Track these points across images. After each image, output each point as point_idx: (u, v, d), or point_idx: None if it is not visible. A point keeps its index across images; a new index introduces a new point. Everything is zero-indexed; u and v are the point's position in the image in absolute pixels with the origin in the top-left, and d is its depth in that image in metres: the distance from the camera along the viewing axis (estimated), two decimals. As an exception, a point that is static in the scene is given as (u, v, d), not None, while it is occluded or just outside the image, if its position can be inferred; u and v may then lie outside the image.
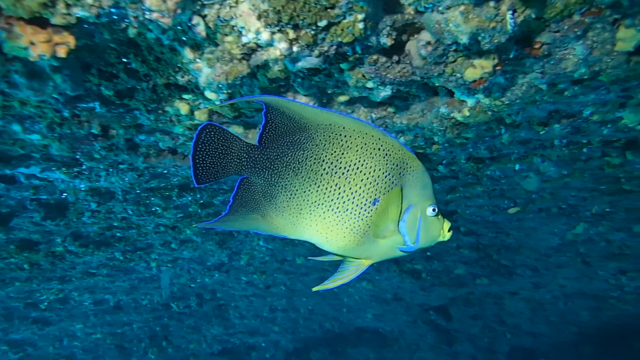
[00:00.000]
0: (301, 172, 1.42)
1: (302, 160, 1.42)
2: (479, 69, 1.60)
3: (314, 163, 1.42)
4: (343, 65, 1.66)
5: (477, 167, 3.21)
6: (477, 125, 2.32)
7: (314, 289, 1.47)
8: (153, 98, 1.92)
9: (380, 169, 1.41)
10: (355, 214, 1.43)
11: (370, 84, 1.75)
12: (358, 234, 1.44)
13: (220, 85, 1.58)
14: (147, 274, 5.65)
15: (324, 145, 1.41)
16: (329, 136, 1.41)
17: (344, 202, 1.42)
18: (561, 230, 5.61)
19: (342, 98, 1.94)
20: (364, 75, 1.70)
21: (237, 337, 8.29)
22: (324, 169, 1.42)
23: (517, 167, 3.28)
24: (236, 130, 2.21)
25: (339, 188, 1.42)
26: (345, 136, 1.41)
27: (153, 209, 3.51)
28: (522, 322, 8.38)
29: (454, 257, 6.95)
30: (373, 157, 1.41)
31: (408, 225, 1.44)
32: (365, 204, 1.42)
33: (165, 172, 2.89)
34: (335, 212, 1.43)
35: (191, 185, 3.26)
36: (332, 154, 1.41)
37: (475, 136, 2.49)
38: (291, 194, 1.44)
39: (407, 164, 1.43)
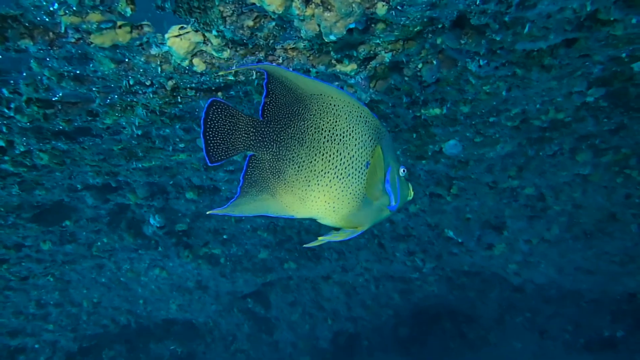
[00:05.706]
0: (305, 142, 1.45)
1: (305, 130, 1.44)
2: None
3: (315, 132, 1.45)
4: None
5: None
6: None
7: (320, 239, 1.54)
8: None
9: (365, 134, 1.48)
10: (355, 178, 1.48)
11: None
12: (359, 199, 1.49)
13: None
14: None
15: (320, 115, 1.45)
16: (322, 105, 1.45)
17: (345, 168, 1.46)
18: (349, 209, 5.06)
19: None
20: None
21: (-8, 340, 6.68)
22: (325, 137, 1.45)
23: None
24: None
25: (340, 154, 1.46)
26: (334, 105, 1.45)
27: None
28: (339, 306, 7.99)
29: (253, 240, 6.17)
30: (358, 124, 1.47)
31: (391, 184, 1.54)
32: (361, 168, 1.48)
33: None
34: (340, 179, 1.46)
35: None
36: (328, 122, 1.45)
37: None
38: (299, 166, 1.45)
39: (380, 129, 1.51)
